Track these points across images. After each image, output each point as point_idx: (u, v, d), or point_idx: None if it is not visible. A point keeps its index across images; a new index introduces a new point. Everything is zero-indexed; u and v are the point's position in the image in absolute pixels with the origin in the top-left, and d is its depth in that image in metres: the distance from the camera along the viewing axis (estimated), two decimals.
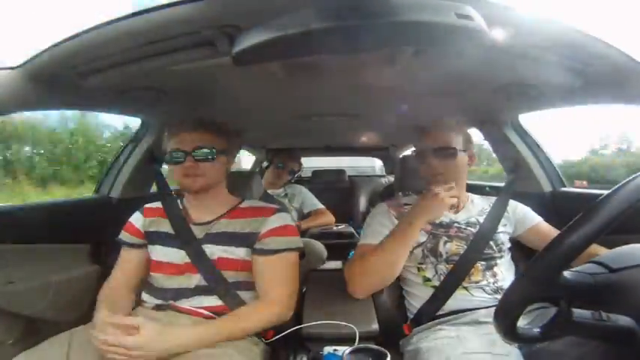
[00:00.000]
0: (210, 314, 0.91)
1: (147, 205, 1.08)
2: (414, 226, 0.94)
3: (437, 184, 0.99)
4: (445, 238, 1.02)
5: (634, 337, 0.48)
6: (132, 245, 1.03)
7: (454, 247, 1.01)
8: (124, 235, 1.05)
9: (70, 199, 1.39)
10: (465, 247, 1.00)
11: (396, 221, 1.05)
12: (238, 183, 1.24)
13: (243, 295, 0.95)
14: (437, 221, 1.04)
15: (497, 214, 1.07)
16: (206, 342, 0.80)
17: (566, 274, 0.50)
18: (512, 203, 1.13)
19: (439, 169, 1.01)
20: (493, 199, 1.14)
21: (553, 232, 1.08)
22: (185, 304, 0.92)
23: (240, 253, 0.95)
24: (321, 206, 2.25)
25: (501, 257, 1.02)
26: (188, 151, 0.93)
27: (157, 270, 0.98)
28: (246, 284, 0.96)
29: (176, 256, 0.95)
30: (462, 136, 1.06)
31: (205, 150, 0.93)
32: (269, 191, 2.17)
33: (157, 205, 1.07)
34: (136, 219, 1.05)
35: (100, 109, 1.14)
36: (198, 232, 0.97)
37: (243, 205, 1.04)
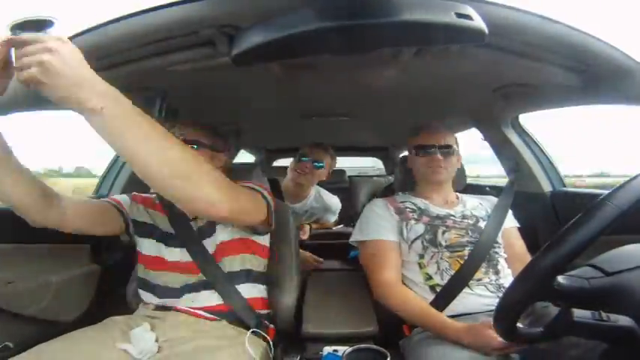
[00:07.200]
0: (211, 315, 0.91)
1: (135, 193, 1.06)
2: (449, 333, 0.85)
3: (437, 177, 1.10)
4: (443, 228, 1.04)
5: (634, 337, 0.48)
6: (109, 202, 0.99)
7: (453, 236, 1.02)
8: (108, 198, 1.02)
9: None
10: (465, 236, 1.02)
11: (396, 216, 1.07)
12: (239, 175, 1.25)
13: (242, 288, 0.94)
14: (434, 214, 1.07)
15: (500, 214, 1.09)
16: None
17: (561, 278, 0.50)
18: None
19: (442, 163, 1.10)
20: (487, 196, 1.17)
21: (517, 242, 1.10)
22: (184, 304, 0.92)
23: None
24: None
25: (504, 253, 1.04)
26: None
27: (150, 265, 0.97)
28: (246, 274, 0.96)
29: (172, 251, 0.95)
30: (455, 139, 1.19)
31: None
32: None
33: (148, 195, 1.06)
34: (122, 197, 1.03)
35: None
36: (194, 224, 0.97)
37: None
